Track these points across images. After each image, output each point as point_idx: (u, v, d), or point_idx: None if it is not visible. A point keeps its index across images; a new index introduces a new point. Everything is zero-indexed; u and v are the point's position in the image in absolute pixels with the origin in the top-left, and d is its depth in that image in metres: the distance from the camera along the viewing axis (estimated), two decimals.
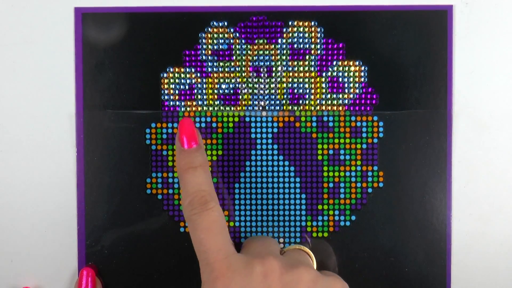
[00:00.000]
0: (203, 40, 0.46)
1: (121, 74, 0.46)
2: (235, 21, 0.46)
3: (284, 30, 0.46)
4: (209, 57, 0.46)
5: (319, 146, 0.46)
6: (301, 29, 0.46)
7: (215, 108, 0.46)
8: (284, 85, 0.46)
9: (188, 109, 0.46)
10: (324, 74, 0.46)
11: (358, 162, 0.46)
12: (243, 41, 0.46)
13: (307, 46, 0.46)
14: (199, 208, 0.40)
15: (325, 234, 0.46)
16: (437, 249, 0.46)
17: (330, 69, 0.46)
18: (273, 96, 0.46)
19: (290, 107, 0.46)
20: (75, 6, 0.46)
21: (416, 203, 0.46)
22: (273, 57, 0.46)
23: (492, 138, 0.46)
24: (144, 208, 0.46)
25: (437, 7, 0.46)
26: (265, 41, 0.46)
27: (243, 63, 0.46)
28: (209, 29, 0.46)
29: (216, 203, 0.40)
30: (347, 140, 0.46)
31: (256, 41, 0.46)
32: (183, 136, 0.41)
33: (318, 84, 0.46)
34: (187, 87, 0.46)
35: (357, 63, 0.46)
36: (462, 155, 0.46)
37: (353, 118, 0.46)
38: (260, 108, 0.46)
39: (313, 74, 0.46)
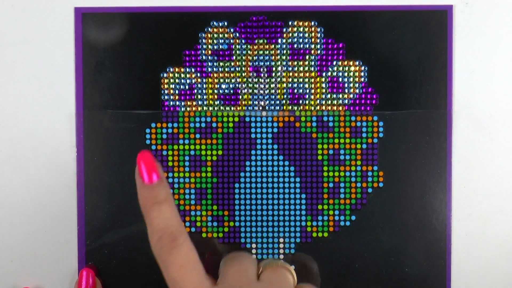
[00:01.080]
0: (203, 40, 0.46)
1: (121, 74, 0.46)
2: (235, 21, 0.46)
3: (284, 30, 0.46)
4: (209, 57, 0.46)
5: (319, 146, 0.46)
6: (301, 29, 0.46)
7: (215, 108, 0.46)
8: (284, 85, 0.46)
9: (188, 109, 0.46)
10: (324, 74, 0.46)
11: (358, 162, 0.46)
12: (243, 41, 0.46)
13: (307, 46, 0.46)
14: (169, 245, 0.38)
15: (325, 234, 0.46)
16: (437, 249, 0.46)
17: (330, 69, 0.46)
18: (273, 96, 0.46)
19: (290, 107, 0.46)
20: (75, 6, 0.46)
21: (416, 203, 0.46)
22: (273, 57, 0.46)
23: (492, 138, 0.46)
24: None
25: (437, 7, 0.46)
26: (265, 41, 0.46)
27: (243, 63, 0.46)
28: (209, 29, 0.46)
29: (186, 237, 0.38)
30: (347, 140, 0.46)
31: (256, 41, 0.46)
32: (142, 170, 0.38)
33: (318, 84, 0.46)
34: (187, 87, 0.46)
35: (357, 63, 0.46)
36: (462, 155, 0.46)
37: (353, 118, 0.46)
38: (260, 108, 0.46)
39: (313, 74, 0.46)
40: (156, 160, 0.39)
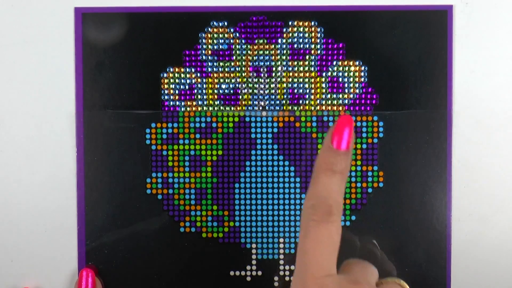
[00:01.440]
0: (203, 40, 0.46)
1: (121, 74, 0.46)
2: (235, 21, 0.46)
3: (284, 30, 0.46)
4: (209, 57, 0.46)
5: (319, 146, 0.46)
6: (301, 29, 0.46)
7: (215, 108, 0.46)
8: (284, 85, 0.46)
9: (188, 109, 0.46)
10: (324, 74, 0.46)
11: (358, 162, 0.46)
12: (243, 41, 0.46)
13: (307, 46, 0.46)
14: (320, 217, 0.35)
15: None
16: (437, 249, 0.46)
17: (330, 69, 0.46)
18: (273, 96, 0.46)
19: (290, 107, 0.46)
20: (75, 6, 0.46)
21: (416, 203, 0.46)
22: (273, 57, 0.46)
23: (492, 138, 0.46)
24: (144, 208, 0.46)
25: (437, 7, 0.46)
26: (265, 41, 0.46)
27: (243, 63, 0.46)
28: (209, 29, 0.46)
29: (339, 218, 0.36)
30: None
31: (256, 41, 0.46)
32: (338, 133, 0.36)
33: (318, 84, 0.46)
34: (187, 87, 0.46)
35: (357, 63, 0.46)
36: (462, 155, 0.46)
37: (353, 118, 0.46)
38: (260, 108, 0.46)
39: (313, 74, 0.46)
40: (354, 132, 0.37)
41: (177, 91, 0.46)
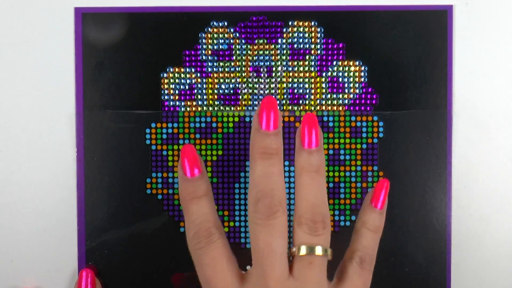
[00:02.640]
0: (203, 40, 0.46)
1: (121, 74, 0.46)
2: (235, 21, 0.46)
3: (284, 30, 0.46)
4: (209, 57, 0.46)
5: None
6: (301, 29, 0.46)
7: (215, 108, 0.46)
8: (284, 85, 0.46)
9: (188, 109, 0.46)
10: (324, 74, 0.46)
11: (358, 162, 0.46)
12: (243, 41, 0.46)
13: (307, 46, 0.46)
14: (205, 241, 0.38)
15: None
16: (437, 249, 0.46)
17: (330, 69, 0.46)
18: (273, 96, 0.46)
19: (290, 107, 0.46)
20: (75, 6, 0.46)
21: (416, 203, 0.46)
22: (273, 57, 0.46)
23: (492, 138, 0.46)
24: (144, 208, 0.46)
25: (437, 7, 0.46)
26: (265, 41, 0.46)
27: (243, 63, 0.46)
28: (209, 29, 0.46)
29: (222, 234, 0.38)
30: (347, 140, 0.46)
31: (256, 41, 0.46)
32: (185, 163, 0.39)
33: (318, 84, 0.46)
34: (187, 87, 0.46)
35: (357, 63, 0.46)
36: (462, 155, 0.46)
37: (353, 118, 0.46)
38: None
39: (313, 74, 0.46)
40: (198, 155, 0.39)
41: (177, 91, 0.46)
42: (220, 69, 0.46)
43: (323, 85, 0.46)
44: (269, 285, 0.36)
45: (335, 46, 0.46)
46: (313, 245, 0.37)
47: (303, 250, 0.37)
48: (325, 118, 0.46)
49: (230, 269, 0.37)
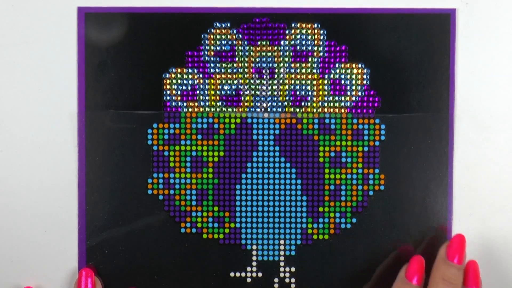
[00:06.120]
0: (206, 41, 0.46)
1: (123, 74, 0.46)
2: (238, 23, 0.46)
3: (287, 32, 0.46)
4: (212, 58, 0.46)
5: (321, 148, 0.46)
6: (304, 31, 0.46)
7: (217, 109, 0.46)
8: (287, 87, 0.46)
9: (190, 110, 0.46)
10: (326, 76, 0.46)
11: (360, 165, 0.46)
12: (245, 42, 0.46)
13: (310, 48, 0.46)
14: None
15: (326, 237, 0.46)
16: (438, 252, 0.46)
17: (333, 71, 0.46)
18: (275, 98, 0.46)
19: (292, 109, 0.46)
20: (78, 5, 0.46)
21: (417, 206, 0.46)
22: (276, 59, 0.46)
23: (494, 141, 0.46)
24: (145, 208, 0.46)
25: (440, 11, 0.46)
26: (268, 42, 0.46)
27: (246, 64, 0.46)
28: (212, 30, 0.46)
29: None
30: (349, 143, 0.46)
31: (259, 42, 0.46)
32: (453, 249, 0.43)
33: (321, 86, 0.46)
34: (189, 88, 0.46)
35: (359, 65, 0.46)
36: (463, 158, 0.46)
37: (355, 121, 0.46)
38: (262, 109, 0.46)
39: (315, 76, 0.46)
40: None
41: (179, 92, 0.46)
42: (222, 70, 0.46)
43: (326, 87, 0.46)
44: None
45: (338, 48, 0.46)
46: None
47: None
48: (327, 121, 0.46)
49: None
